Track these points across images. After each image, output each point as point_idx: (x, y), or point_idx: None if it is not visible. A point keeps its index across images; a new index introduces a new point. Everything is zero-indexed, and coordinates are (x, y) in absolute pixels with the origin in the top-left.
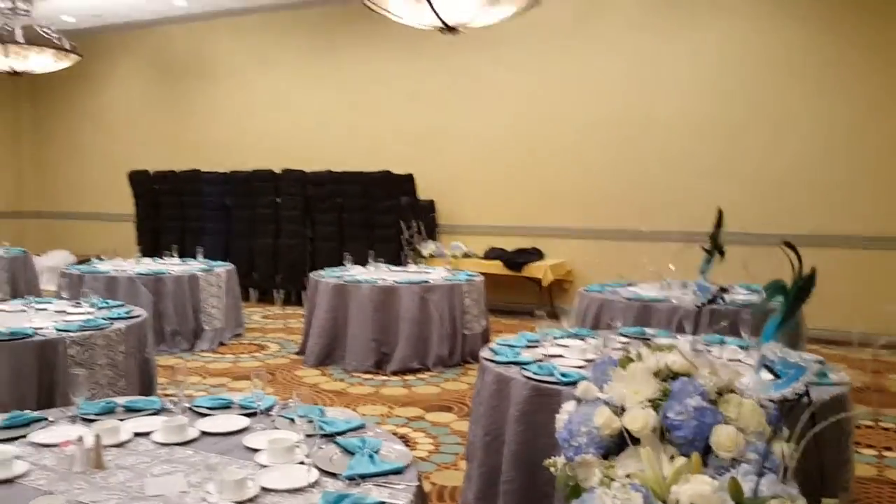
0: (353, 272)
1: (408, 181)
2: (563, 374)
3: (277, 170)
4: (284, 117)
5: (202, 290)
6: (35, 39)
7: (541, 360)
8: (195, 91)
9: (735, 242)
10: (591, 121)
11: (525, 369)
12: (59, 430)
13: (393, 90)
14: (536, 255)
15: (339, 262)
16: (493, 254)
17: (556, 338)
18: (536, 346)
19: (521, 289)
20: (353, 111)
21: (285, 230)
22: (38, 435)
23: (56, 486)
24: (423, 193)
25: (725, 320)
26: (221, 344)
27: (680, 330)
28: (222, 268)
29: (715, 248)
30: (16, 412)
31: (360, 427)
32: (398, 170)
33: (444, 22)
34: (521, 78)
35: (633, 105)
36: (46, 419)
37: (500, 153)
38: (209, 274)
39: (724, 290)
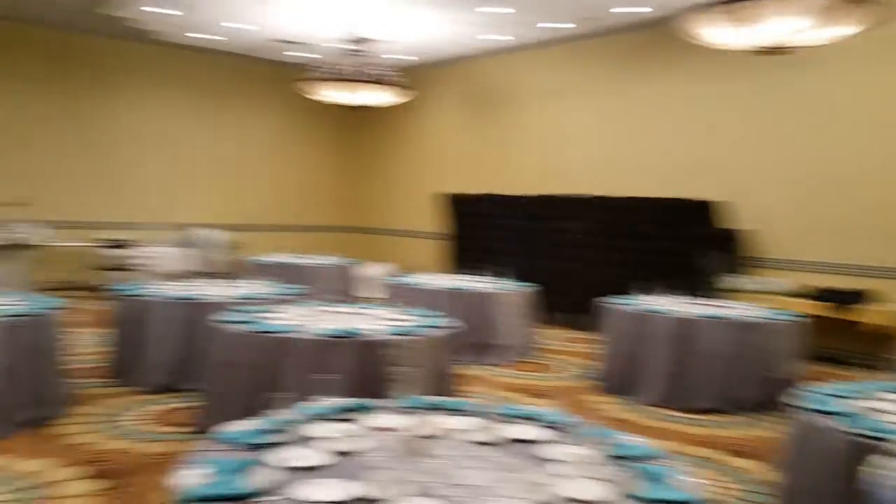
0: (651, 301)
1: (706, 209)
2: (886, 430)
3: (578, 195)
4: (585, 143)
5: (502, 307)
6: (374, 77)
7: (861, 413)
8: (503, 119)
9: None
10: None
11: (843, 421)
12: (388, 418)
13: (694, 115)
14: (867, 297)
15: (631, 290)
16: (812, 293)
17: (881, 391)
18: (857, 398)
19: (845, 334)
20: (652, 136)
21: (583, 254)
22: (373, 420)
23: (387, 464)
24: (726, 223)
25: None
26: (516, 361)
27: None
28: (521, 288)
29: None
30: (355, 400)
31: (656, 456)
32: (704, 196)
33: (765, 46)
34: (856, 100)
35: None
36: (378, 408)
37: (821, 180)
38: (509, 293)
39: None
